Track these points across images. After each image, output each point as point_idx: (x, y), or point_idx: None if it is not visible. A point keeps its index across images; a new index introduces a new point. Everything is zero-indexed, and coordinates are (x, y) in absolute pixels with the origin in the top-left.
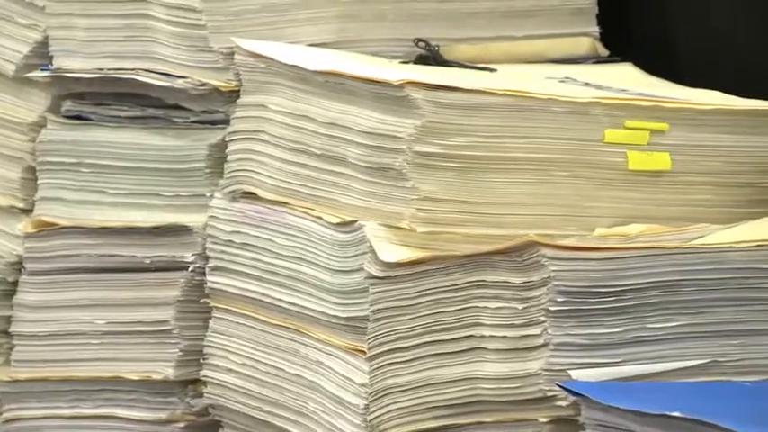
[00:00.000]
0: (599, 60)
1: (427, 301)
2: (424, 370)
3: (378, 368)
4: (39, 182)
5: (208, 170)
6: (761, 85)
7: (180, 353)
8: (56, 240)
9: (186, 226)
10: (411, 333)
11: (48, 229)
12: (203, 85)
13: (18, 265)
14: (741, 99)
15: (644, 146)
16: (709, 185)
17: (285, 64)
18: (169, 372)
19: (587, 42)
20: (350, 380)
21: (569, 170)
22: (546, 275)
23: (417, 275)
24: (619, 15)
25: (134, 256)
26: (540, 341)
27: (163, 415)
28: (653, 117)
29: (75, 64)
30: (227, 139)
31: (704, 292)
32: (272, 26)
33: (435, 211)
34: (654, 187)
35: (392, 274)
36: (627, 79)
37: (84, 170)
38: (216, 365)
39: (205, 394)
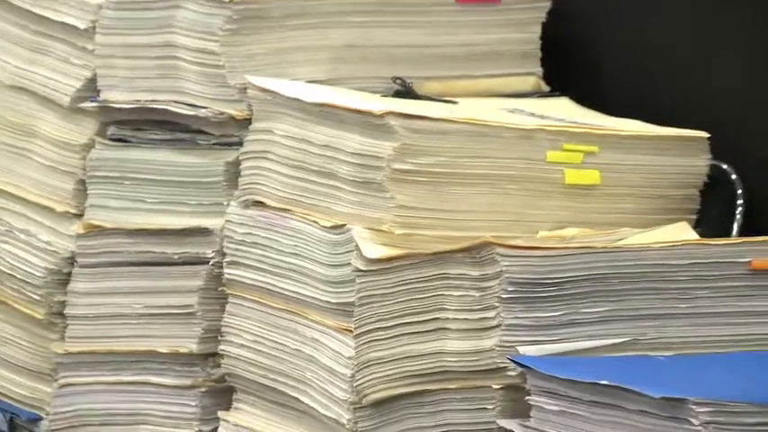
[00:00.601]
0: (542, 95)
1: (402, 290)
2: (400, 346)
3: (362, 344)
4: (88, 192)
5: (225, 183)
6: (673, 116)
7: (202, 331)
8: (102, 240)
9: (207, 228)
10: (389, 316)
11: (95, 231)
12: (222, 114)
13: (71, 260)
14: (657, 127)
15: (578, 164)
16: (630, 197)
17: (288, 97)
18: (193, 347)
19: (533, 80)
20: (340, 354)
21: (517, 184)
22: (499, 269)
23: (394, 269)
24: (558, 59)
25: (165, 253)
26: (494, 323)
27: (188, 382)
28: (585, 141)
29: (118, 96)
30: (240, 157)
31: (626, 283)
32: (277, 66)
33: (409, 217)
34: (586, 198)
35: (374, 267)
36: (564, 110)
37: (125, 183)
38: (231, 341)
39: (222, 365)
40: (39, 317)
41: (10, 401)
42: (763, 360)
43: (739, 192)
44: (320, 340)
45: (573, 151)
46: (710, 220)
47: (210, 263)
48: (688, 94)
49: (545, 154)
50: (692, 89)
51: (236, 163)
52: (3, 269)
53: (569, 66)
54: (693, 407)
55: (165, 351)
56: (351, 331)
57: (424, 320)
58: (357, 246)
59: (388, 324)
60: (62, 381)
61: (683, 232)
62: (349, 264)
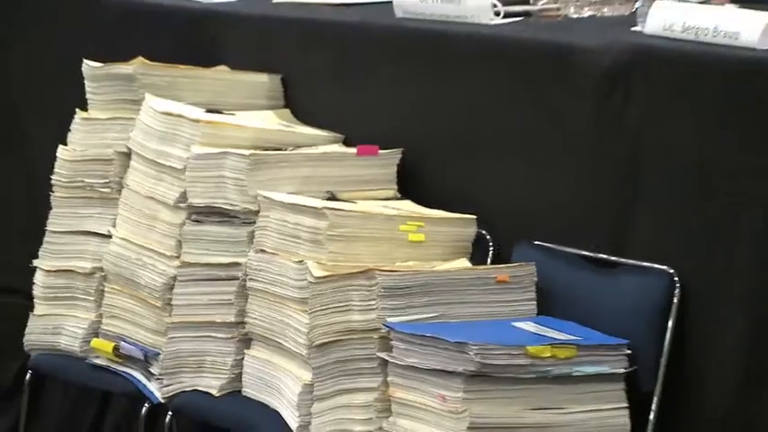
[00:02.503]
0: (397, 198)
1: (330, 292)
2: (331, 318)
3: (312, 318)
4: (183, 246)
5: (248, 241)
6: (456, 204)
7: (237, 311)
8: (188, 269)
9: (239, 263)
10: (325, 304)
11: (185, 264)
12: (246, 209)
13: (174, 278)
14: (449, 213)
15: (414, 231)
16: (439, 247)
17: (277, 200)
18: (231, 318)
19: (392, 192)
20: (301, 322)
21: (387, 241)
22: (377, 281)
23: (327, 281)
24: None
25: (218, 274)
26: (375, 307)
27: (229, 335)
28: (417, 220)
29: (197, 200)
30: (255, 229)
31: (438, 287)
32: (273, 186)
33: (336, 256)
34: (417, 247)
35: (318, 281)
36: (407, 205)
37: (200, 241)
38: (250, 316)
39: (246, 327)
40: (158, 305)
41: (145, 345)
42: (505, 326)
43: (491, 245)
44: (292, 315)
45: (411, 225)
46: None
47: (240, 278)
48: (462, 188)
49: (399, 227)
50: (466, 184)
51: (252, 232)
52: (141, 282)
53: (412, 177)
54: (471, 346)
55: (218, 321)
56: (306, 312)
57: (342, 307)
58: (309, 270)
59: (324, 308)
60: (169, 335)
61: (464, 263)
62: (306, 279)
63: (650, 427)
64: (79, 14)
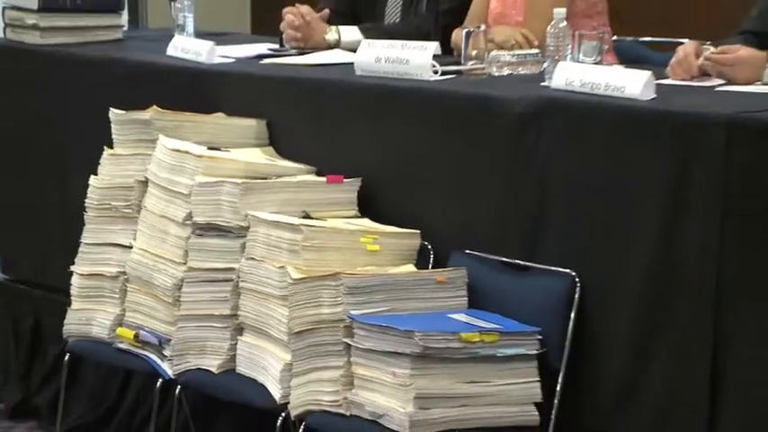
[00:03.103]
0: (358, 217)
1: (305, 290)
2: (306, 311)
3: (292, 308)
4: (189, 256)
5: (241, 252)
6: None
7: (231, 306)
8: (194, 273)
9: (234, 268)
10: (301, 300)
11: (191, 270)
12: (239, 225)
13: (182, 280)
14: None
15: (372, 243)
16: (390, 256)
17: (263, 219)
18: (227, 311)
19: (353, 212)
20: (282, 314)
21: (350, 251)
22: (342, 282)
23: (303, 282)
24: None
25: (217, 276)
26: (341, 302)
27: (225, 325)
28: (373, 235)
29: (200, 219)
30: (246, 242)
31: (399, 290)
32: (260, 208)
33: (311, 263)
34: (374, 255)
35: (296, 282)
36: (368, 223)
37: (202, 252)
38: (242, 309)
39: (239, 318)
40: (169, 301)
41: (159, 333)
42: (443, 317)
43: (431, 254)
44: (275, 309)
45: (369, 238)
46: (421, 264)
47: (234, 280)
48: (408, 209)
49: (359, 239)
50: (411, 206)
51: (244, 243)
52: (156, 283)
53: (367, 204)
54: (416, 333)
55: (216, 314)
56: (286, 306)
57: (314, 302)
58: (289, 273)
59: (300, 303)
60: (178, 325)
61: (411, 268)
62: (286, 280)
63: (557, 396)
64: (107, 73)
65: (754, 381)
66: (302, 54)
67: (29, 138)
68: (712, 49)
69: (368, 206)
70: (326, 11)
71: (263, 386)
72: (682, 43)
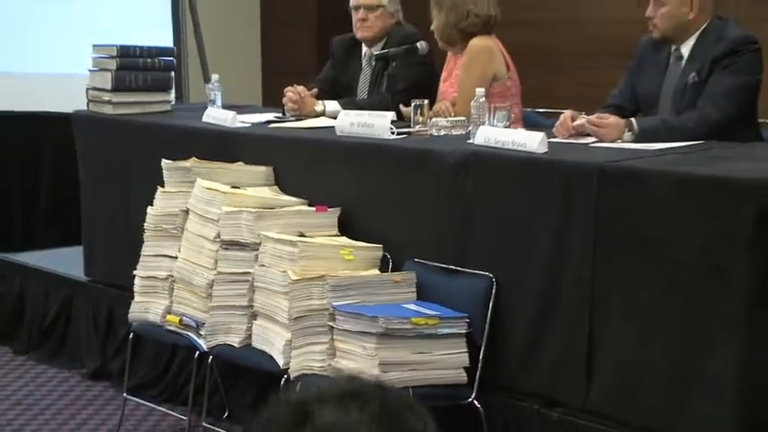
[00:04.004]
0: (339, 236)
1: (300, 287)
2: (302, 303)
3: (291, 301)
4: (218, 264)
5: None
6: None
7: (248, 299)
8: (222, 276)
9: (250, 272)
10: (298, 295)
11: (219, 274)
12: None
13: (213, 281)
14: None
15: (349, 253)
16: (362, 263)
17: (270, 237)
18: (245, 303)
19: (335, 232)
20: (284, 304)
21: (332, 259)
22: (327, 282)
23: (299, 282)
24: None
25: (238, 273)
26: (325, 295)
27: (244, 311)
28: (349, 249)
29: (226, 237)
30: (259, 255)
31: (368, 287)
32: (266, 229)
33: (304, 269)
34: (351, 263)
35: (293, 282)
36: (346, 241)
37: (228, 262)
38: (257, 302)
39: (254, 309)
40: (204, 296)
41: (196, 318)
42: (399, 307)
43: (390, 261)
44: (280, 301)
45: (346, 251)
46: (383, 269)
47: (250, 281)
48: (374, 230)
49: (339, 251)
50: (376, 227)
51: (257, 255)
52: (194, 283)
53: (345, 226)
54: (380, 317)
55: (237, 305)
56: (287, 300)
57: (307, 296)
58: (289, 276)
59: (297, 297)
60: (210, 313)
61: (376, 272)
62: (287, 281)
63: (479, 362)
64: (160, 134)
65: (616, 351)
66: (298, 120)
67: (108, 179)
68: (584, 116)
69: (345, 228)
70: (315, 90)
71: (271, 356)
72: (562, 112)
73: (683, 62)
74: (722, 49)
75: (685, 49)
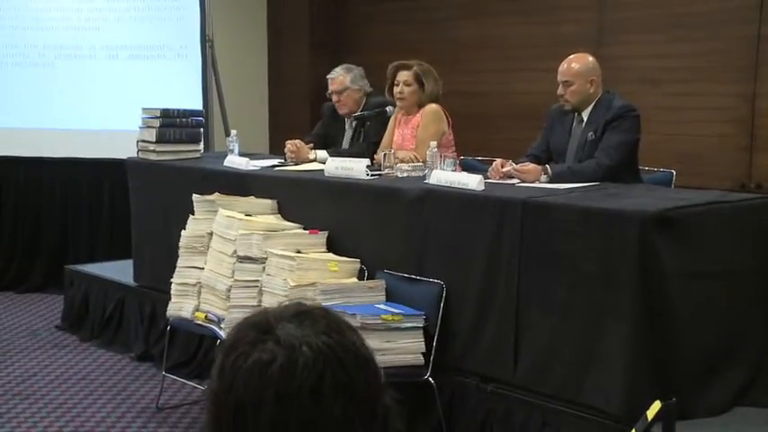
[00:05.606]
0: (326, 253)
1: (298, 292)
2: (293, 297)
3: (290, 295)
4: (235, 274)
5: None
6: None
7: (256, 294)
8: (238, 287)
9: (256, 279)
10: (296, 297)
11: (236, 281)
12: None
13: (230, 287)
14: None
15: (334, 266)
16: (344, 274)
17: (275, 253)
18: (254, 302)
19: (323, 250)
20: (282, 293)
21: (322, 270)
22: (317, 287)
23: (296, 287)
24: None
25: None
26: (318, 300)
27: (249, 302)
28: (335, 262)
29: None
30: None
31: (349, 291)
32: (271, 246)
33: (300, 277)
34: (336, 274)
35: (292, 288)
36: (332, 256)
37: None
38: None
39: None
40: (224, 298)
41: (218, 315)
42: (372, 307)
43: (366, 272)
44: (279, 292)
45: (333, 264)
46: (361, 278)
47: (259, 287)
48: (352, 247)
49: (327, 264)
50: (354, 245)
51: (264, 266)
52: (217, 288)
53: (332, 245)
54: (358, 314)
55: (249, 305)
56: (288, 301)
57: (303, 299)
58: (289, 283)
59: (294, 298)
60: (229, 311)
61: (355, 281)
62: (287, 287)
63: (433, 348)
64: (192, 176)
65: (535, 338)
66: (296, 165)
67: (152, 209)
68: (512, 163)
69: (331, 246)
70: (311, 144)
71: None
72: (494, 160)
73: (584, 124)
74: (612, 115)
75: (585, 115)
